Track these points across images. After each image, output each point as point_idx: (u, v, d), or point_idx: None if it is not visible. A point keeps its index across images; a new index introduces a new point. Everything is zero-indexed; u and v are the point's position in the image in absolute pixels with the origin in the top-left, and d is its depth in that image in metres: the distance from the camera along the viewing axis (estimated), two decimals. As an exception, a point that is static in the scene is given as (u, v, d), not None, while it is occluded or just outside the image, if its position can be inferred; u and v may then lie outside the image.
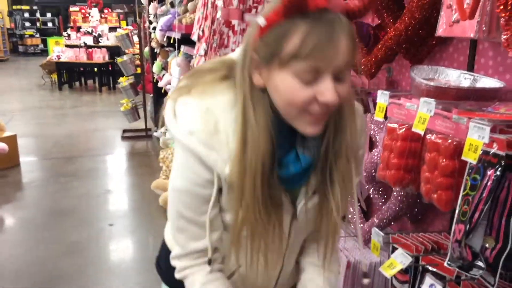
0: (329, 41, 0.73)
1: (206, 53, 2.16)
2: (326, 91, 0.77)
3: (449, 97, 1.18)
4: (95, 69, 10.48)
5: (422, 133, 1.12)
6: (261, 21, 0.77)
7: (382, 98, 1.32)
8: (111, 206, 3.93)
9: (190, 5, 3.54)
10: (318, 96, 0.78)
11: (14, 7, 19.55)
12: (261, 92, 0.84)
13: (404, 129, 1.27)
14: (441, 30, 1.29)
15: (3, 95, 9.40)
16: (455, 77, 1.34)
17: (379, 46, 1.52)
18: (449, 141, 1.10)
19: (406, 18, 1.41)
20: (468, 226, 0.94)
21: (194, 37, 2.22)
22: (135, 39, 7.34)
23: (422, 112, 1.11)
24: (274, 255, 0.99)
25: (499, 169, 0.90)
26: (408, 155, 1.29)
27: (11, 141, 4.74)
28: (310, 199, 0.95)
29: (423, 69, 1.40)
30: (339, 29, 0.74)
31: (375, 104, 1.76)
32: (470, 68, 1.38)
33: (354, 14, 0.78)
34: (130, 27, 11.99)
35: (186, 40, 3.38)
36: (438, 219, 1.58)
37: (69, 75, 10.66)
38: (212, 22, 2.12)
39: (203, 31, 2.16)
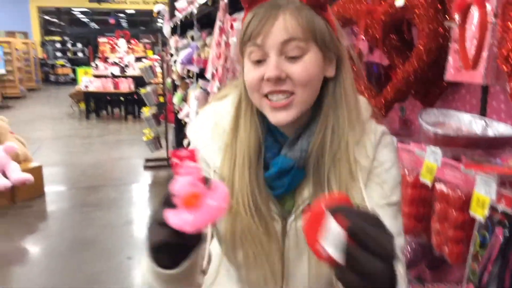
0: (267, 18, 0.80)
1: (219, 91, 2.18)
2: (268, 66, 0.81)
3: (458, 145, 1.14)
4: (121, 98, 10.74)
5: (430, 184, 1.08)
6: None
7: (390, 144, 1.29)
8: (131, 237, 3.95)
9: (208, 40, 3.61)
10: (265, 75, 0.82)
11: (46, 38, 20.44)
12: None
13: (414, 176, 1.24)
14: (449, 75, 1.26)
15: (34, 123, 9.72)
16: (466, 121, 1.31)
17: (388, 88, 1.51)
18: (459, 192, 1.06)
19: (414, 61, 1.39)
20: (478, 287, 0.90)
21: (208, 75, 2.26)
22: (159, 69, 7.52)
23: (429, 162, 1.08)
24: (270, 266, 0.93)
25: (508, 228, 0.87)
26: (418, 203, 1.25)
27: (37, 172, 4.87)
28: (301, 217, 0.89)
29: (433, 112, 1.37)
30: (280, 8, 0.81)
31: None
32: (483, 111, 1.35)
33: (311, 1, 0.82)
34: (155, 57, 12.31)
35: (204, 74, 3.44)
36: (456, 267, 1.51)
37: (96, 104, 10.96)
38: (226, 61, 2.15)
39: (216, 69, 2.19)
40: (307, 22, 0.80)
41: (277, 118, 0.84)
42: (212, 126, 0.94)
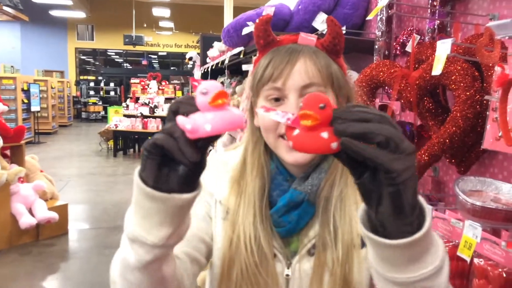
0: (287, 62, 0.82)
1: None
2: (288, 107, 0.82)
3: (497, 218, 1.09)
4: (149, 137, 10.94)
5: (468, 259, 1.03)
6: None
7: (425, 212, 1.25)
8: (150, 282, 3.89)
9: (238, 88, 3.67)
10: None
11: (81, 77, 21.29)
12: (259, 134, 0.92)
13: (450, 247, 1.19)
14: (487, 143, 1.23)
15: (63, 160, 9.95)
16: (505, 190, 1.26)
17: (422, 151, 1.47)
18: (499, 269, 1.00)
19: (450, 126, 1.37)
20: None
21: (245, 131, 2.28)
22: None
23: (468, 237, 1.04)
24: None
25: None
26: (455, 275, 1.19)
27: (62, 210, 4.92)
28: (307, 258, 0.87)
29: (470, 180, 1.32)
30: (299, 53, 0.83)
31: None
32: (522, 180, 1.30)
33: (328, 47, 0.84)
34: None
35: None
36: None
37: (124, 142, 11.18)
38: (256, 114, 2.16)
39: (246, 121, 2.20)
40: (326, 67, 0.83)
41: (295, 157, 0.84)
42: (219, 165, 0.98)
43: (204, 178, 0.94)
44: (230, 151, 1.03)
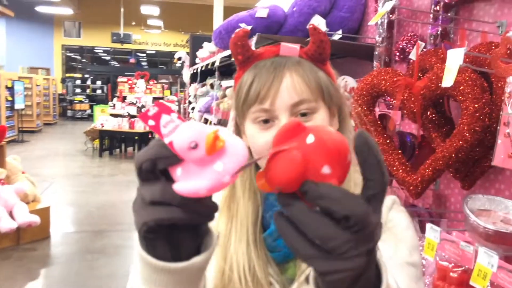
0: (272, 80, 0.74)
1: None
2: None
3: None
4: (136, 137, 10.76)
5: (482, 291, 0.94)
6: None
7: (432, 234, 1.16)
8: (134, 289, 3.77)
9: (228, 91, 3.57)
10: None
11: (67, 74, 20.94)
12: (249, 154, 0.80)
13: (459, 272, 1.10)
14: (498, 160, 1.15)
15: (46, 159, 9.73)
16: (515, 211, 1.18)
17: (426, 165, 1.39)
18: (516, 301, 0.92)
19: (457, 140, 1.28)
20: None
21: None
22: (175, 106, 7.52)
23: (482, 265, 0.95)
24: None
25: None
26: (463, 303, 1.11)
27: (44, 213, 4.77)
28: (306, 285, 0.76)
29: (478, 198, 1.24)
30: (284, 66, 0.75)
31: (421, 224, 1.59)
32: (532, 199, 1.22)
33: (313, 56, 0.76)
34: (172, 97, 12.44)
35: (222, 125, 3.37)
36: None
37: (110, 142, 10.98)
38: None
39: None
40: (314, 81, 0.76)
41: None
42: None
43: None
44: None
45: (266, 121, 0.76)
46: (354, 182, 0.79)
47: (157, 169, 0.47)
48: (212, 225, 0.81)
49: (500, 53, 0.99)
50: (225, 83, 3.84)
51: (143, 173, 0.48)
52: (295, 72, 0.75)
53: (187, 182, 0.45)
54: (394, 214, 0.83)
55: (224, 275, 0.79)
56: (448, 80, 1.04)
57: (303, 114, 0.75)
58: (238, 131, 0.85)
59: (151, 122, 0.47)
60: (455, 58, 1.04)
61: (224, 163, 0.44)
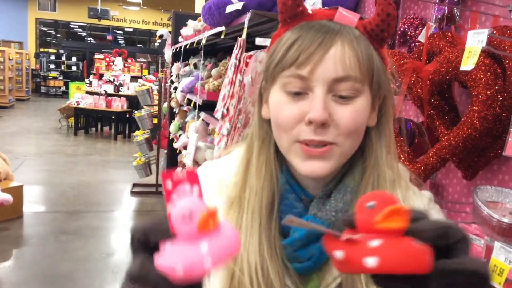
0: (318, 45, 0.63)
1: (229, 133, 2.00)
2: (313, 107, 0.63)
3: (527, 238, 0.96)
4: (113, 116, 10.51)
5: (499, 287, 0.89)
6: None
7: (440, 226, 1.11)
8: (111, 272, 3.67)
9: (214, 71, 3.46)
10: (306, 116, 0.63)
11: (41, 49, 20.24)
12: (268, 128, 0.72)
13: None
14: (511, 150, 1.09)
15: (19, 137, 9.41)
16: (525, 203, 1.14)
17: (430, 154, 1.33)
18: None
19: (465, 128, 1.22)
20: None
21: (218, 115, 2.08)
22: (155, 86, 7.33)
23: (499, 261, 0.90)
24: None
25: None
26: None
27: (17, 191, 4.58)
28: None
29: (486, 189, 1.19)
30: (337, 34, 0.64)
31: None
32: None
33: (372, 32, 0.65)
34: (151, 77, 12.16)
35: (207, 106, 3.26)
36: None
37: (86, 121, 10.70)
38: (239, 101, 1.97)
39: (227, 109, 2.01)
40: (368, 58, 0.65)
41: (312, 168, 0.65)
42: (213, 184, 0.76)
43: None
44: (220, 161, 0.81)
45: (297, 93, 0.65)
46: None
47: (150, 242, 0.43)
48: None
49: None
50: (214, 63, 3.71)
51: (135, 244, 0.45)
52: (348, 43, 0.64)
53: (167, 258, 0.41)
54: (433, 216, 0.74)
55: (234, 279, 0.68)
56: (469, 63, 0.97)
57: (342, 98, 0.64)
58: (260, 99, 0.74)
59: (168, 185, 0.44)
60: (477, 40, 0.97)
61: (210, 246, 0.41)
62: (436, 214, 0.75)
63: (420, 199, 0.75)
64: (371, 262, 0.39)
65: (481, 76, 1.16)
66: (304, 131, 0.64)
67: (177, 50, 5.06)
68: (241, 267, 0.67)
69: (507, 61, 1.19)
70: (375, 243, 0.40)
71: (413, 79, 1.31)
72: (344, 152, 0.67)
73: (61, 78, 19.42)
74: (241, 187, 0.72)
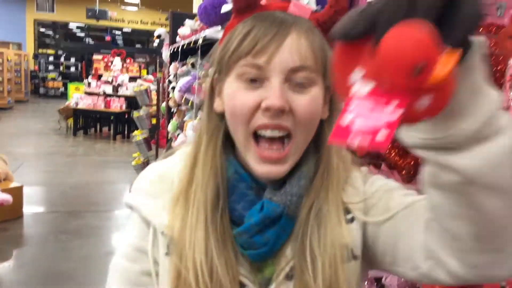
0: (274, 34, 0.64)
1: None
2: (270, 94, 0.63)
3: None
4: (112, 117, 10.54)
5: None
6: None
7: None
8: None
9: (211, 70, 3.48)
10: (262, 103, 0.63)
11: (40, 50, 20.26)
12: (219, 121, 0.72)
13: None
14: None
15: (18, 138, 9.43)
16: None
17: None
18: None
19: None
20: None
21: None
22: (154, 86, 7.35)
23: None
24: None
25: None
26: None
27: (17, 192, 4.61)
28: (285, 283, 0.69)
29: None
30: (291, 25, 0.65)
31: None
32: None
33: (325, 25, 0.67)
34: (150, 77, 12.18)
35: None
36: None
37: (85, 121, 10.72)
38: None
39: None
40: (321, 49, 0.67)
41: (268, 170, 0.67)
42: (155, 180, 0.76)
43: (137, 200, 0.74)
44: (163, 160, 0.81)
45: (253, 80, 0.65)
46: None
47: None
48: (163, 223, 0.71)
49: (509, 32, 0.96)
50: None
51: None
52: (303, 33, 0.65)
53: None
54: (369, 186, 0.74)
55: (181, 278, 0.67)
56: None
57: (298, 87, 0.65)
58: (212, 92, 0.73)
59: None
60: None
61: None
62: (374, 178, 0.76)
63: (361, 176, 0.76)
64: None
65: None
66: (260, 118, 0.65)
67: (175, 50, 5.08)
68: (186, 265, 0.67)
69: (493, 58, 1.22)
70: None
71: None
72: (301, 146, 0.69)
73: (59, 79, 19.47)
74: (187, 183, 0.72)
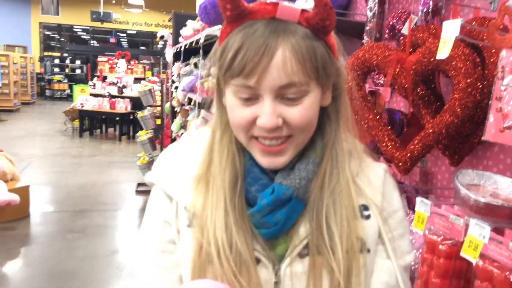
0: (262, 55, 0.66)
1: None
2: (263, 113, 0.69)
3: (502, 216, 1.02)
4: (117, 118, 10.60)
5: (474, 261, 0.95)
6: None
7: (422, 207, 1.16)
8: (116, 269, 3.74)
9: (213, 70, 3.51)
10: (257, 119, 0.69)
11: (46, 53, 20.39)
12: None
13: (448, 245, 1.11)
14: (489, 135, 1.15)
15: (25, 140, 9.51)
16: (504, 185, 1.19)
17: (416, 141, 1.39)
18: (506, 272, 0.93)
19: (447, 116, 1.28)
20: None
21: (214, 110, 2.14)
22: (158, 92, 7.40)
23: (474, 237, 0.95)
24: None
25: None
26: (452, 275, 1.12)
27: (23, 192, 4.67)
28: (298, 260, 0.74)
29: (467, 173, 1.25)
30: (278, 38, 0.67)
31: (408, 200, 1.60)
32: (520, 174, 1.23)
33: (315, 27, 0.68)
34: (154, 78, 12.24)
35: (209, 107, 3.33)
36: None
37: (90, 122, 10.79)
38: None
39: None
40: (310, 57, 0.68)
41: (271, 162, 0.73)
42: (176, 161, 0.83)
43: (160, 177, 0.81)
44: (183, 143, 0.87)
45: (247, 99, 0.70)
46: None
47: None
48: (185, 199, 0.78)
49: (497, 24, 0.98)
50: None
51: None
52: (289, 47, 0.67)
53: None
54: (391, 193, 0.81)
55: (202, 251, 0.73)
56: (443, 52, 1.03)
57: (290, 99, 0.69)
58: (219, 90, 0.78)
59: None
60: (451, 30, 1.02)
61: None
62: (392, 189, 0.82)
63: (377, 169, 0.82)
64: None
65: (461, 65, 1.21)
66: (258, 129, 0.71)
67: (178, 50, 5.12)
68: (208, 239, 0.73)
69: (486, 51, 1.24)
70: None
71: (397, 70, 1.36)
72: (301, 142, 0.75)
73: (65, 81, 19.56)
74: (207, 167, 0.79)
